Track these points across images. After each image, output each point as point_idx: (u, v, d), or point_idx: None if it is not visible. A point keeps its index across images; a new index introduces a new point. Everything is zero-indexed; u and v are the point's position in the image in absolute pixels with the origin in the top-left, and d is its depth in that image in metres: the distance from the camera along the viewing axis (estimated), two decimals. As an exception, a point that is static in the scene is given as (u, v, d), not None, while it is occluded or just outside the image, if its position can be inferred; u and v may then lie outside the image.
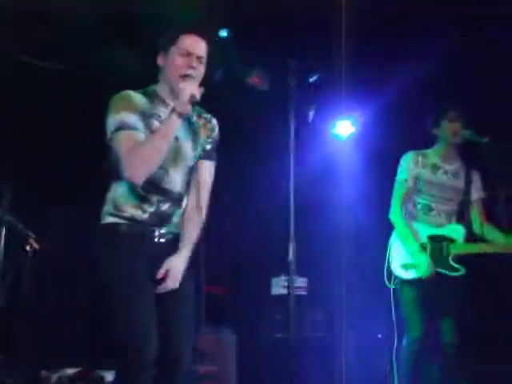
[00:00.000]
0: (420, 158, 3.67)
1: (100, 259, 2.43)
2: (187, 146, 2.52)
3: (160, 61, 2.50)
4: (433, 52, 4.66)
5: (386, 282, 3.72)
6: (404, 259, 3.61)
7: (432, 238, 3.63)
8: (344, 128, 5.13)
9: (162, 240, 2.47)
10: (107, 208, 2.47)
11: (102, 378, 3.44)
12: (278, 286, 5.31)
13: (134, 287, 2.32)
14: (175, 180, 2.49)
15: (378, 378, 4.75)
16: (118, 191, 2.44)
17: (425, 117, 3.84)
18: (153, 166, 2.34)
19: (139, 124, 2.38)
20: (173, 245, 2.51)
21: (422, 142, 3.92)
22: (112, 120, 2.37)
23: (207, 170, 2.61)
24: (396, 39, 4.74)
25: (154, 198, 2.44)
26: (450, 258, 3.57)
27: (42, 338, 4.61)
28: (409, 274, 3.59)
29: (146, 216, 2.43)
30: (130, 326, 2.28)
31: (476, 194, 3.74)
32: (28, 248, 4.06)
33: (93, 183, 2.87)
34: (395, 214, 3.65)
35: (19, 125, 4.75)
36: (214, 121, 2.66)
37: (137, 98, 2.44)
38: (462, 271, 3.56)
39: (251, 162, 5.59)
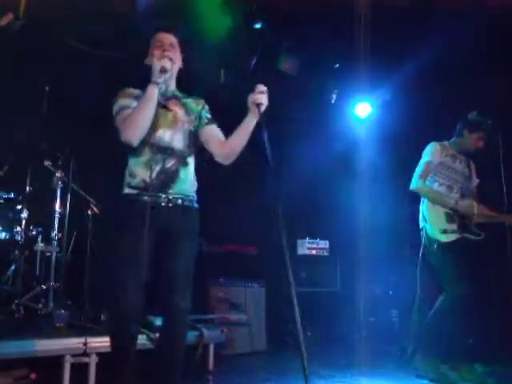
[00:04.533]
0: (442, 148, 4.40)
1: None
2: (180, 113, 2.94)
3: None
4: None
5: (423, 247, 4.28)
6: (442, 224, 4.23)
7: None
8: (363, 109, 5.64)
9: (170, 205, 2.78)
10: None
11: (152, 322, 3.80)
12: (303, 247, 6.04)
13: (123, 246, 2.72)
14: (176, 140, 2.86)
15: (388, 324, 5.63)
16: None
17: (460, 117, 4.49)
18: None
19: None
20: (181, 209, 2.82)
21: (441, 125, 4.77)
22: None
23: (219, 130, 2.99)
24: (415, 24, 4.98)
25: (159, 157, 2.78)
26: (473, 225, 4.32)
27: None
28: (448, 238, 4.21)
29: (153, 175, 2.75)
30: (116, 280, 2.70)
31: (475, 180, 4.54)
32: (89, 212, 4.69)
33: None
34: (422, 184, 4.30)
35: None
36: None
37: None
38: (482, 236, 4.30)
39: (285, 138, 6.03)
